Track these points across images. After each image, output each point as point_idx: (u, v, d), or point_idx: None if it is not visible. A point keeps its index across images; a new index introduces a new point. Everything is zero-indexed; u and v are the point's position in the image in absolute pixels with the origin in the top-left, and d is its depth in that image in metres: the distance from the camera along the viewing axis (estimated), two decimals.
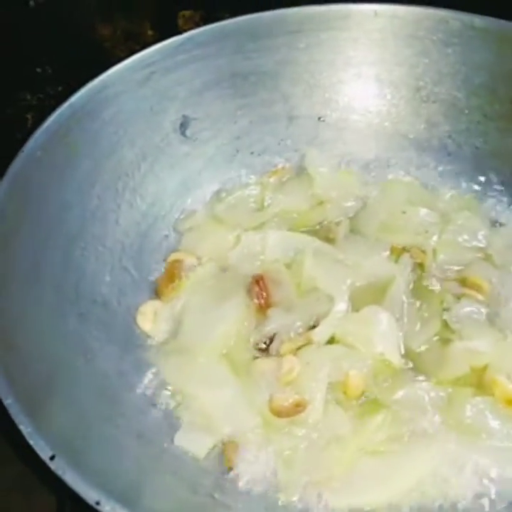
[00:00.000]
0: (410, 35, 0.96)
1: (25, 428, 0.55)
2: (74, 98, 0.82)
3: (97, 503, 0.51)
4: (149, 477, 0.62)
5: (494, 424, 0.72)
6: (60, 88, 1.04)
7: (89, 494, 0.51)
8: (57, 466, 0.52)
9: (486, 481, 0.69)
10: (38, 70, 1.05)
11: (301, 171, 0.99)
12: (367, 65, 0.99)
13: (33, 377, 0.63)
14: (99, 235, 0.83)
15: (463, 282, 0.86)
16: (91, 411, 0.65)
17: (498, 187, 0.95)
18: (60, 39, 1.04)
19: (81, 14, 1.11)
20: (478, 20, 0.92)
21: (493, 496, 0.68)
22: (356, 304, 0.83)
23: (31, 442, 0.54)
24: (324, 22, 0.95)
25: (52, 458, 0.52)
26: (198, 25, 1.00)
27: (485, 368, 0.76)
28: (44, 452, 0.53)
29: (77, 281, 0.78)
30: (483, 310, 0.82)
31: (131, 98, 0.89)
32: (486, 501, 0.68)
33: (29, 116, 1.04)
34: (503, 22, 0.91)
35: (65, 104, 0.82)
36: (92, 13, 1.14)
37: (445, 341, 0.80)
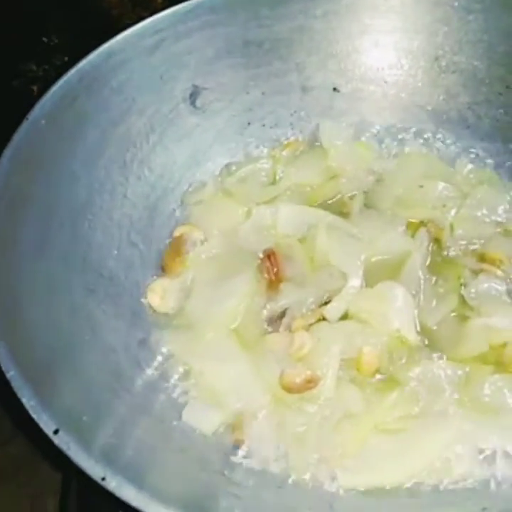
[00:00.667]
0: (430, 2, 0.92)
1: (28, 401, 0.53)
2: (81, 64, 0.80)
3: (103, 479, 0.49)
4: (156, 453, 0.60)
5: None
6: (66, 58, 1.01)
7: (95, 470, 0.50)
8: (61, 441, 0.51)
9: (503, 460, 0.67)
10: (44, 39, 1.02)
11: (314, 144, 0.96)
12: (384, 33, 0.95)
13: (37, 350, 0.62)
14: (107, 207, 0.81)
15: (481, 258, 0.83)
16: (97, 386, 0.64)
17: None
18: (66, 7, 1.01)
19: None
20: None
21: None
22: (371, 279, 0.80)
23: (34, 416, 0.52)
24: None
25: (56, 432, 0.50)
26: None
27: (504, 345, 0.74)
28: (47, 426, 0.52)
29: (85, 255, 0.76)
30: (502, 286, 0.79)
31: (141, 65, 0.86)
32: (504, 478, 0.66)
33: (35, 88, 1.01)
34: None
35: (72, 71, 0.79)
36: None
37: (463, 318, 0.78)
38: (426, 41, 0.94)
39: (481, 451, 0.67)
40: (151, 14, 0.88)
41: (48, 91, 0.77)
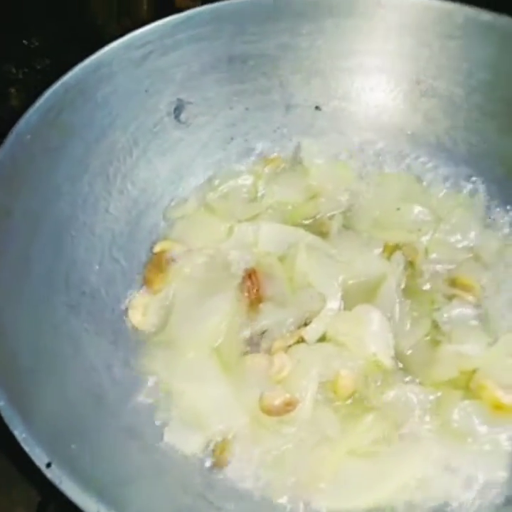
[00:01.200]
0: (414, 26, 0.94)
1: (20, 434, 0.53)
2: (67, 76, 0.79)
3: None
4: (142, 479, 0.61)
5: (481, 428, 0.73)
6: (48, 62, 0.99)
7: (89, 505, 0.50)
8: (53, 475, 0.51)
9: (471, 485, 0.70)
10: (24, 41, 0.99)
11: (296, 161, 0.97)
12: (368, 54, 0.96)
13: (22, 374, 0.62)
14: (90, 222, 0.81)
15: (453, 283, 0.86)
16: (82, 409, 0.64)
17: (492, 186, 0.95)
18: (49, 9, 0.98)
19: None
20: (483, 15, 0.90)
21: (476, 499, 0.69)
22: (348, 301, 0.83)
23: (27, 449, 0.52)
24: (328, 8, 0.92)
25: (48, 465, 0.51)
26: (194, 2, 0.96)
27: (473, 371, 0.77)
28: (40, 460, 0.52)
29: (67, 271, 0.76)
30: (473, 312, 0.82)
31: (126, 79, 0.85)
32: (471, 505, 0.69)
33: (13, 90, 0.99)
34: (508, 18, 0.89)
35: (58, 83, 0.78)
36: None
37: (435, 342, 0.80)
38: (408, 65, 0.96)
39: (452, 476, 0.70)
40: (135, 24, 0.88)
41: (32, 105, 0.76)
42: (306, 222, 0.92)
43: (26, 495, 0.69)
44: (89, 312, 0.76)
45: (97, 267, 0.80)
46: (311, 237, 0.88)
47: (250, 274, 0.84)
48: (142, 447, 0.66)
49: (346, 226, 0.92)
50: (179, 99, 0.91)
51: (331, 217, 0.92)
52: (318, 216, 0.93)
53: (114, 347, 0.76)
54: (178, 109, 0.91)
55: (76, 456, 0.55)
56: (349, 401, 0.76)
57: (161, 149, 0.90)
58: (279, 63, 0.95)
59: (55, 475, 0.51)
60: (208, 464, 0.69)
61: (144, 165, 0.89)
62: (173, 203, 0.91)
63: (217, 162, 0.95)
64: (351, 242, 0.89)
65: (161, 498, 0.60)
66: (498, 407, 0.73)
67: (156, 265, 0.85)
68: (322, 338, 0.79)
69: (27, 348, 0.65)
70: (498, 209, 0.93)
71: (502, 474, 0.70)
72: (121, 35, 0.85)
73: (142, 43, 0.86)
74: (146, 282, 0.84)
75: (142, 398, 0.73)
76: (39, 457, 0.52)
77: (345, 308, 0.82)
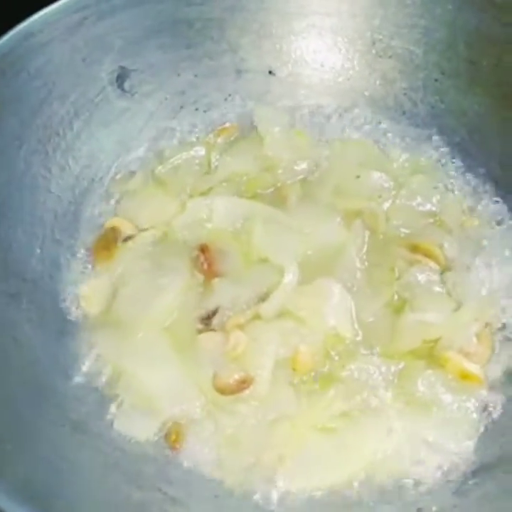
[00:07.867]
0: None
1: None
2: None
3: None
4: (89, 476, 0.58)
5: (445, 397, 0.71)
6: None
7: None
8: None
9: (438, 454, 0.68)
10: None
11: (250, 130, 0.92)
12: (321, 15, 0.92)
13: None
14: (28, 204, 0.76)
15: (415, 248, 0.83)
16: (22, 406, 0.60)
17: (453, 148, 0.91)
18: None
19: None
20: None
21: (445, 469, 0.68)
22: (307, 273, 0.79)
23: None
24: None
25: None
26: None
27: (436, 340, 0.74)
28: None
29: (4, 257, 0.71)
30: (435, 277, 0.80)
31: (61, 47, 0.80)
32: (438, 474, 0.67)
33: None
34: None
35: None
36: None
37: (397, 310, 0.78)
38: (363, 24, 0.92)
39: (419, 447, 0.68)
40: None
41: None
42: (263, 192, 0.88)
43: None
44: (32, 300, 0.72)
45: (38, 251, 0.76)
46: (268, 210, 0.84)
47: (203, 250, 0.80)
48: (89, 439, 0.63)
49: (305, 195, 0.88)
50: (121, 67, 0.86)
51: (289, 187, 0.88)
52: (276, 185, 0.88)
53: (60, 334, 0.72)
54: (121, 78, 0.86)
55: (12, 458, 0.51)
56: (311, 376, 0.73)
57: (105, 121, 0.85)
58: (226, 26, 0.90)
59: None
60: (161, 450, 0.66)
61: (87, 138, 0.84)
62: (119, 177, 0.86)
63: (167, 133, 0.91)
64: (310, 211, 0.86)
65: (111, 499, 0.57)
66: (464, 376, 0.71)
67: (104, 244, 0.81)
68: (280, 314, 0.76)
69: None
70: (460, 171, 0.90)
71: (469, 443, 0.69)
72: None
73: (76, 9, 0.80)
74: (94, 261, 0.80)
75: (90, 385, 0.70)
76: None
77: (304, 281, 0.79)
